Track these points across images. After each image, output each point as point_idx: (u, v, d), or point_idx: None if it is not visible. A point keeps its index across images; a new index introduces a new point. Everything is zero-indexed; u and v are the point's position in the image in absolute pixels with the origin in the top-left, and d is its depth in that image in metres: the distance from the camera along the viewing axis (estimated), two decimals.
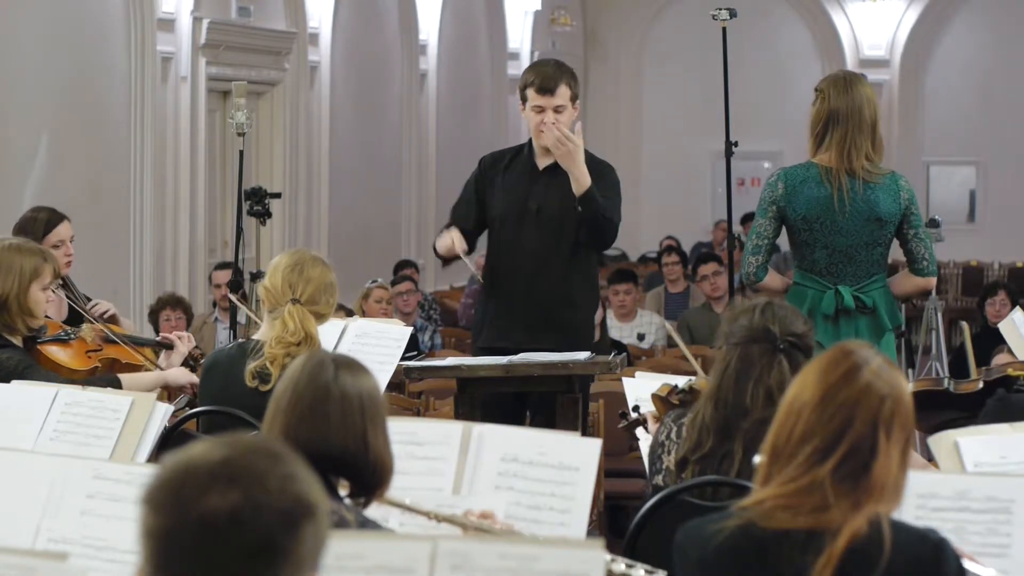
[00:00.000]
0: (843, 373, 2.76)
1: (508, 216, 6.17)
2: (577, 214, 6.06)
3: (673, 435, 3.99)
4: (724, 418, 3.87)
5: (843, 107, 5.59)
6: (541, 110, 6.16)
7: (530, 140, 6.28)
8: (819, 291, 5.65)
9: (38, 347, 5.33)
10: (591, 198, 6.02)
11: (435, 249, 6.37)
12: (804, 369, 2.82)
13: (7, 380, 4.91)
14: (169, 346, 5.59)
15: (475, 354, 6.27)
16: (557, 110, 6.16)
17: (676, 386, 4.39)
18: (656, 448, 4.03)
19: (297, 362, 3.21)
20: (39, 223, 6.12)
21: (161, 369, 5.51)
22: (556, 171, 6.18)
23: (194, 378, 5.44)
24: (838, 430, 2.72)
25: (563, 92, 6.18)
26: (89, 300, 6.19)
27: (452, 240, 6.18)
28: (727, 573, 2.76)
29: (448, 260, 6.39)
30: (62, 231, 6.13)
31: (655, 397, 4.46)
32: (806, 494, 2.71)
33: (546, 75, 6.20)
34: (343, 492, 3.12)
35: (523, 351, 5.94)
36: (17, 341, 5.22)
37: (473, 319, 6.57)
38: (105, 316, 6.11)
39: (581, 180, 6.02)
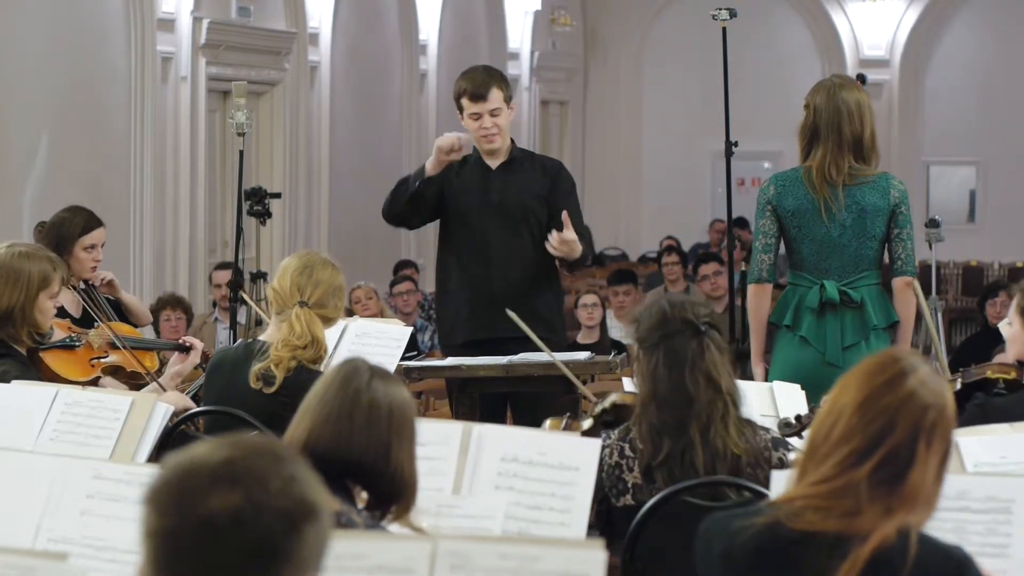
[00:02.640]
0: (888, 378, 2.73)
1: (470, 211, 6.30)
2: (543, 252, 6.25)
3: (627, 451, 3.98)
4: (671, 415, 3.90)
5: (823, 123, 5.71)
6: (478, 116, 6.31)
7: (473, 148, 6.40)
8: (807, 287, 5.73)
9: (40, 354, 5.28)
10: (580, 259, 6.26)
11: (404, 184, 6.37)
12: (848, 372, 2.80)
13: None
14: (186, 349, 5.50)
15: (453, 353, 6.30)
16: (493, 113, 6.32)
17: (569, 415, 4.39)
18: (612, 471, 3.98)
19: (333, 367, 3.22)
20: (76, 225, 6.15)
21: (159, 383, 5.38)
22: (509, 168, 6.38)
23: (187, 403, 5.14)
24: (878, 434, 2.69)
25: (495, 95, 6.33)
26: (110, 304, 6.21)
27: (448, 140, 6.22)
28: (750, 570, 2.74)
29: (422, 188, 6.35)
30: (97, 235, 6.20)
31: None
32: (839, 496, 2.68)
33: (477, 82, 6.35)
34: (360, 505, 3.11)
35: (506, 339, 5.99)
36: (21, 348, 5.17)
37: (439, 318, 6.60)
38: (104, 281, 6.18)
39: (575, 255, 6.21)
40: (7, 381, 4.94)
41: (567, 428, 4.34)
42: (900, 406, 2.71)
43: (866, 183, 5.69)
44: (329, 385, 3.14)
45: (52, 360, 5.31)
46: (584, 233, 6.32)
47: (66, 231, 6.10)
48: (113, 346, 5.55)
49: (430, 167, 6.24)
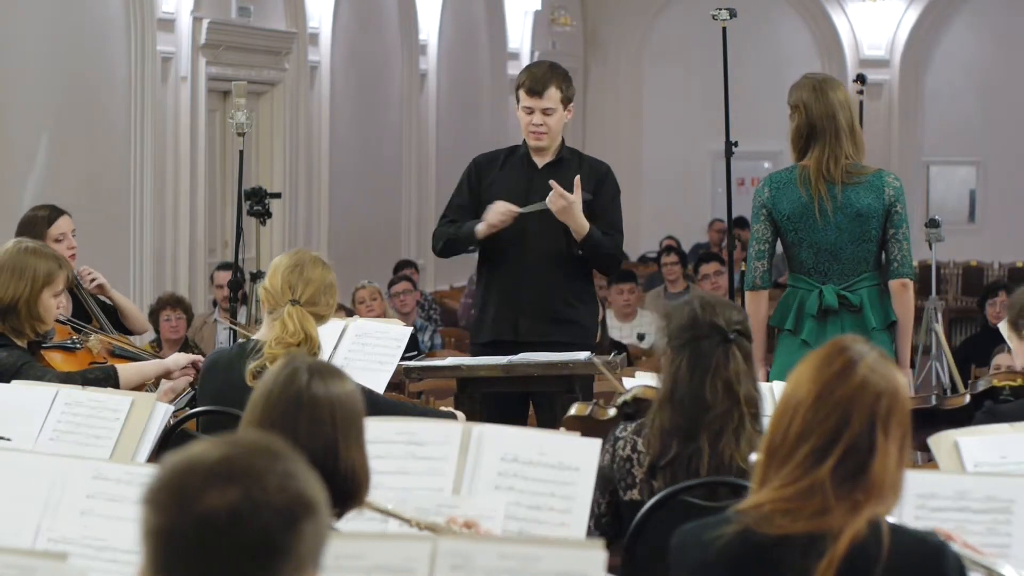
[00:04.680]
0: (838, 370, 2.72)
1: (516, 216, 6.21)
2: (578, 256, 6.17)
3: (639, 446, 3.97)
4: (685, 419, 3.87)
5: (818, 119, 5.67)
6: (531, 111, 6.23)
7: (523, 141, 6.34)
8: (807, 290, 5.72)
9: (42, 352, 5.30)
10: (592, 242, 6.14)
11: (456, 240, 6.32)
12: (798, 366, 2.79)
13: (5, 378, 4.91)
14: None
15: (476, 351, 6.29)
16: (546, 112, 6.23)
17: (597, 403, 4.40)
18: (623, 463, 3.97)
19: (273, 368, 3.18)
20: (41, 220, 6.21)
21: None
22: (555, 168, 6.28)
23: (194, 356, 5.41)
24: (835, 429, 2.68)
25: (552, 95, 6.23)
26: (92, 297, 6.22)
27: (501, 210, 6.15)
28: None
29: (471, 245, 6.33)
30: (63, 224, 6.24)
31: (571, 419, 4.44)
32: (806, 497, 2.68)
33: (536, 77, 6.26)
34: None
35: (528, 343, 5.97)
36: (22, 343, 5.20)
37: (471, 316, 6.61)
38: (93, 283, 6.19)
39: (579, 229, 6.11)
40: (10, 362, 5.02)
41: (592, 414, 4.35)
42: (853, 397, 2.70)
43: (861, 183, 5.66)
44: (271, 390, 3.10)
45: (52, 358, 5.33)
46: (615, 235, 6.23)
47: (34, 229, 6.12)
48: (112, 354, 5.56)
49: (482, 232, 6.18)
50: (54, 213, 6.26)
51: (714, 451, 3.85)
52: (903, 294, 5.74)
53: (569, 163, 6.31)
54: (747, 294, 5.90)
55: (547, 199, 6.09)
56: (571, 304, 6.25)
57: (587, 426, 4.33)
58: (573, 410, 4.43)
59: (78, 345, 5.47)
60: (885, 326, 5.71)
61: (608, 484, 3.97)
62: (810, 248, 5.71)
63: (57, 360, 5.35)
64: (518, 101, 6.30)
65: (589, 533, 3.73)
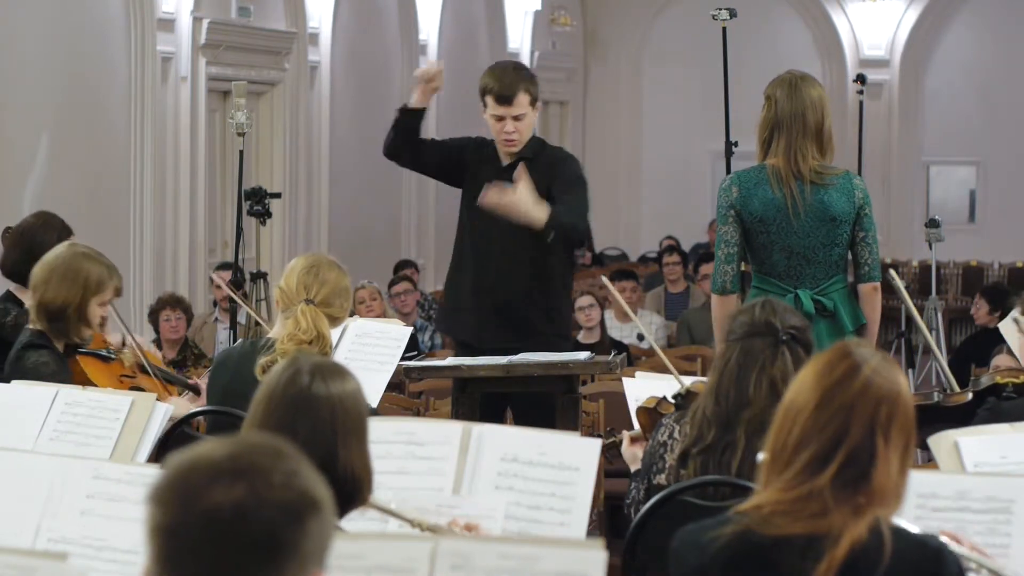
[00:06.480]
0: (840, 376, 2.71)
1: (477, 212, 6.13)
2: (548, 244, 5.97)
3: (676, 434, 4.01)
4: (725, 411, 3.91)
5: (787, 113, 5.55)
6: (501, 119, 6.12)
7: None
8: (779, 295, 5.57)
9: (78, 356, 5.21)
10: (555, 224, 5.92)
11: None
12: (803, 370, 2.78)
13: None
14: (196, 390, 5.46)
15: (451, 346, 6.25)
16: (516, 118, 6.12)
17: (664, 397, 4.43)
18: (658, 448, 4.04)
19: (276, 368, 3.17)
20: (50, 233, 5.94)
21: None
22: (516, 167, 6.15)
23: (192, 408, 5.32)
24: (834, 436, 2.67)
25: (522, 100, 6.12)
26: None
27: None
28: None
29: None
30: None
31: (641, 410, 4.48)
32: (805, 501, 2.67)
33: (505, 83, 6.11)
34: None
35: (489, 350, 5.95)
36: (59, 346, 5.13)
37: (443, 299, 6.49)
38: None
39: (534, 221, 5.90)
40: (47, 372, 4.96)
41: (658, 407, 4.39)
42: (853, 404, 2.68)
43: (832, 185, 5.55)
44: (272, 392, 3.09)
45: (87, 365, 5.22)
46: (574, 208, 6.03)
47: (40, 239, 5.84)
48: (141, 369, 5.47)
49: (414, 100, 6.33)
50: (65, 232, 5.97)
51: (749, 448, 3.86)
52: (874, 297, 5.70)
53: (531, 161, 6.17)
54: (715, 298, 5.70)
55: (487, 205, 5.94)
56: (541, 304, 6.12)
57: (653, 417, 4.38)
58: (643, 400, 4.48)
59: (112, 356, 5.38)
60: (855, 328, 5.66)
61: (645, 468, 4.02)
62: (783, 251, 5.58)
63: (92, 369, 5.25)
64: (485, 106, 6.17)
65: (624, 515, 3.74)
